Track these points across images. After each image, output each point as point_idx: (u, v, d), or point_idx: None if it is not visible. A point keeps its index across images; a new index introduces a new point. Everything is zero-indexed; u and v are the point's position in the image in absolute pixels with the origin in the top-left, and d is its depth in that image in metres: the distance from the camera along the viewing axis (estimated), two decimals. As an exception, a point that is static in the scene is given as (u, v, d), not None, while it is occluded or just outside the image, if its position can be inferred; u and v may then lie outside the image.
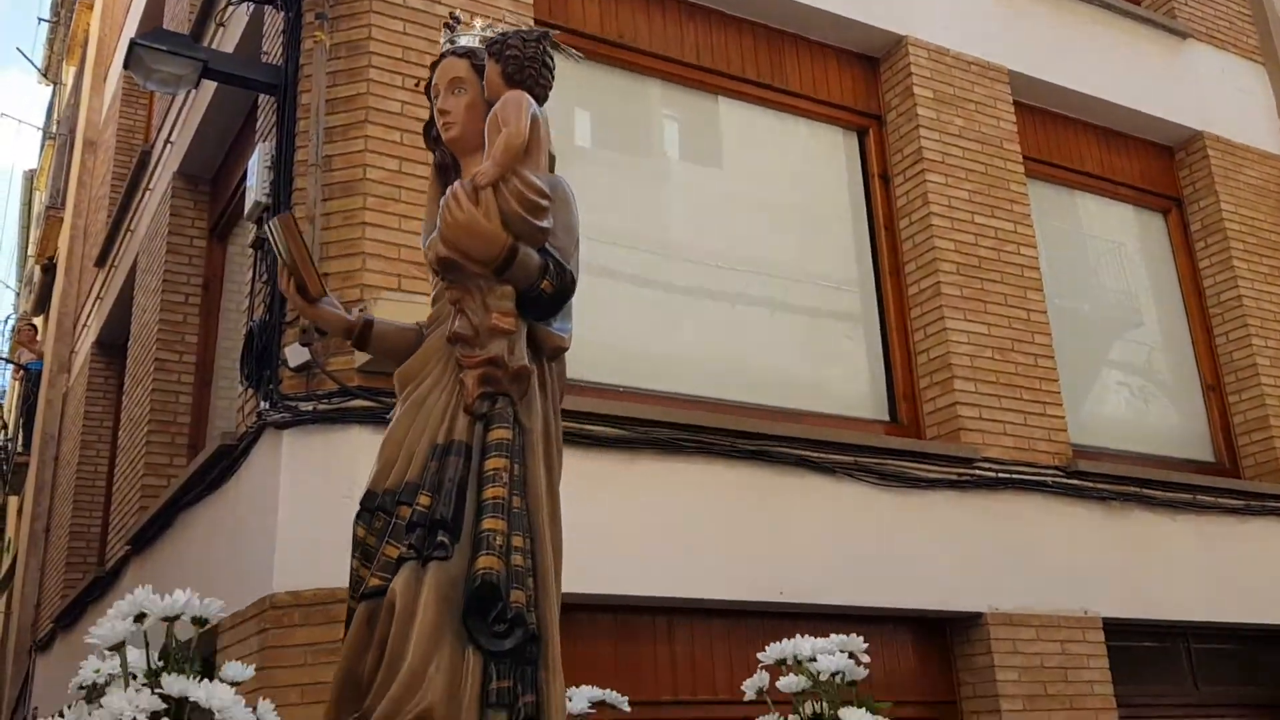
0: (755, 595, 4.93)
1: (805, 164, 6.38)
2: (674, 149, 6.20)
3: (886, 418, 6.01)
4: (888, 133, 6.44)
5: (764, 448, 5.13)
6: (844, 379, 6.03)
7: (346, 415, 4.31)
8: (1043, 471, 5.84)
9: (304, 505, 4.19)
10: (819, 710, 2.58)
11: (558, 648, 2.30)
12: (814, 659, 2.59)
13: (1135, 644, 5.99)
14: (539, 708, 2.21)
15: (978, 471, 5.64)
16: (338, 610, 4.03)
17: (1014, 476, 5.73)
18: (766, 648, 2.71)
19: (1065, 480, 5.87)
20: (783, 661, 2.68)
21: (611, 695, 3.01)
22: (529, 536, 2.30)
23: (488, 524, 2.24)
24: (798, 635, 2.69)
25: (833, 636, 2.66)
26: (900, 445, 5.57)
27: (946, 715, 5.42)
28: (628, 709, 2.99)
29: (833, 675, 2.58)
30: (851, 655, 2.64)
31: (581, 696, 2.96)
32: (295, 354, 4.35)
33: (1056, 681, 5.40)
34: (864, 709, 2.57)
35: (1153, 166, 7.63)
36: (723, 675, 4.96)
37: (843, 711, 2.52)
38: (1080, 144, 7.32)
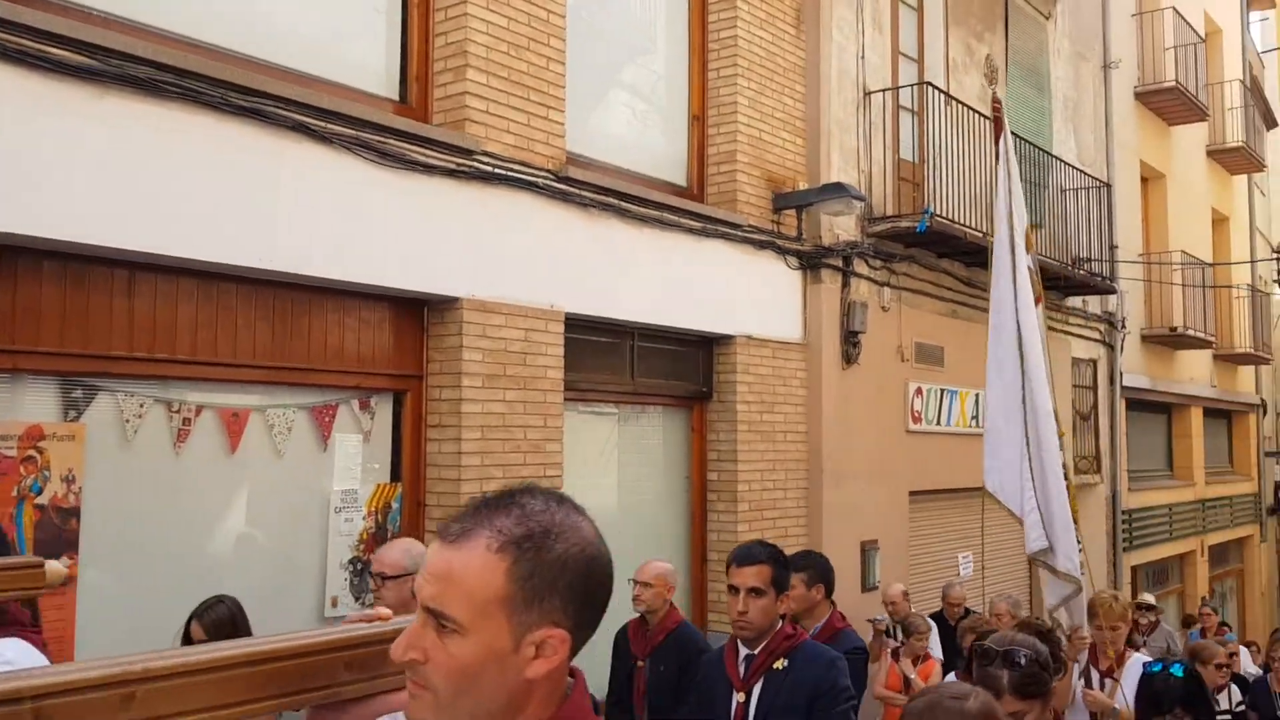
0: (233, 259, 4.72)
1: None
2: None
3: (396, 97, 5.85)
4: None
5: (260, 106, 4.79)
6: (359, 49, 5.71)
7: None
8: (536, 172, 6.10)
9: None
10: None
11: None
12: None
13: (589, 338, 6.69)
14: None
15: (476, 163, 5.75)
16: None
17: (509, 174, 5.93)
18: None
19: (555, 184, 6.20)
20: None
21: None
22: None
23: None
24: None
25: None
26: (405, 127, 5.48)
27: (413, 388, 5.74)
28: None
29: None
30: None
31: None
32: None
33: (516, 365, 5.91)
34: None
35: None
36: (187, 335, 4.78)
37: None
38: None
